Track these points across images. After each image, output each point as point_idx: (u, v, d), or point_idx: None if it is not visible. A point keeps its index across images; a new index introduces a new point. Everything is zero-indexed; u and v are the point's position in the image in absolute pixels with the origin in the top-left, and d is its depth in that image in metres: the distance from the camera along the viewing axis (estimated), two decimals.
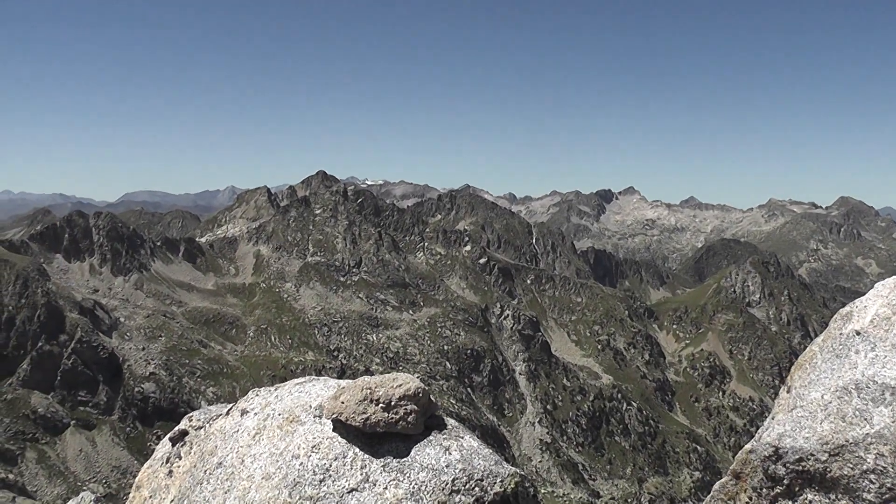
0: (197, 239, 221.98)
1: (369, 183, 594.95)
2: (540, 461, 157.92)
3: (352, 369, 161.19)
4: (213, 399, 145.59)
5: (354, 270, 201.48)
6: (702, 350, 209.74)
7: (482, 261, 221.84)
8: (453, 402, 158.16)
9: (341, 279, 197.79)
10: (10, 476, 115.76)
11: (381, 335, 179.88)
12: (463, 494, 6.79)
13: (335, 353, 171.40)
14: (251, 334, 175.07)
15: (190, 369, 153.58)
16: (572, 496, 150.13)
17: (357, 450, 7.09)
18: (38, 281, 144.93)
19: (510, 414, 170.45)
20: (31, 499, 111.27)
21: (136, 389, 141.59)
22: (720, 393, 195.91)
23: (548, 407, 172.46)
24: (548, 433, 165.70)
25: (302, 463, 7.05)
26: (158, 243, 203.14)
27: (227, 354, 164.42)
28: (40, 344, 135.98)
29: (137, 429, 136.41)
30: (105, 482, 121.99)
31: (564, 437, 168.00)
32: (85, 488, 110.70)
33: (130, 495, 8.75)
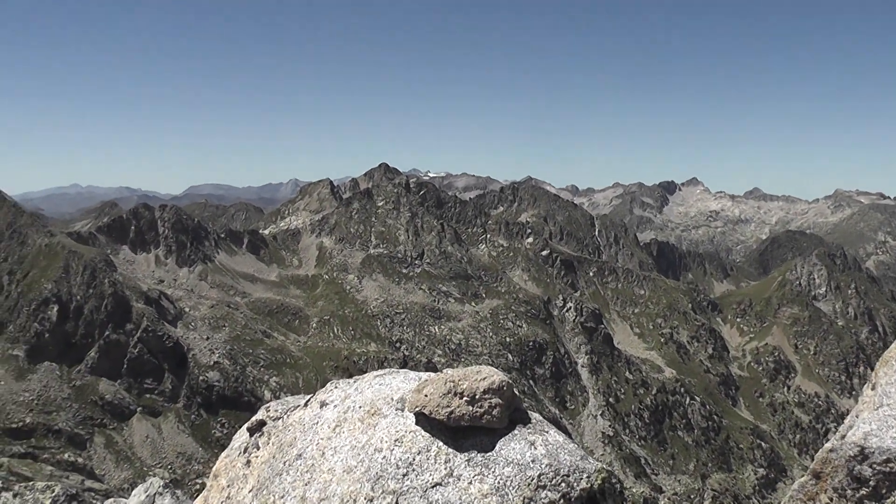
0: (260, 231, 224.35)
1: (431, 175, 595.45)
2: (602, 454, 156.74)
3: (414, 360, 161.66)
4: (277, 389, 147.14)
5: (417, 262, 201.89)
6: (766, 344, 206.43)
7: (544, 253, 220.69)
8: (516, 394, 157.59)
9: (404, 271, 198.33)
10: (80, 460, 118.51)
11: (443, 327, 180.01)
12: (549, 490, 6.65)
13: (397, 345, 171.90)
14: (314, 325, 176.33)
15: (253, 359, 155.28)
16: (634, 490, 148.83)
17: (441, 444, 6.96)
18: (105, 272, 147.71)
19: (572, 406, 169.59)
20: (100, 482, 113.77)
21: (201, 378, 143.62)
22: (785, 388, 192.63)
23: (610, 400, 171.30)
24: (610, 426, 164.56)
25: (385, 456, 6.95)
26: (222, 235, 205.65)
27: (291, 345, 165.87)
28: (107, 333, 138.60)
29: (202, 416, 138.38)
30: (171, 468, 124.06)
31: (627, 431, 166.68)
32: (151, 473, 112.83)
33: (208, 484, 8.81)
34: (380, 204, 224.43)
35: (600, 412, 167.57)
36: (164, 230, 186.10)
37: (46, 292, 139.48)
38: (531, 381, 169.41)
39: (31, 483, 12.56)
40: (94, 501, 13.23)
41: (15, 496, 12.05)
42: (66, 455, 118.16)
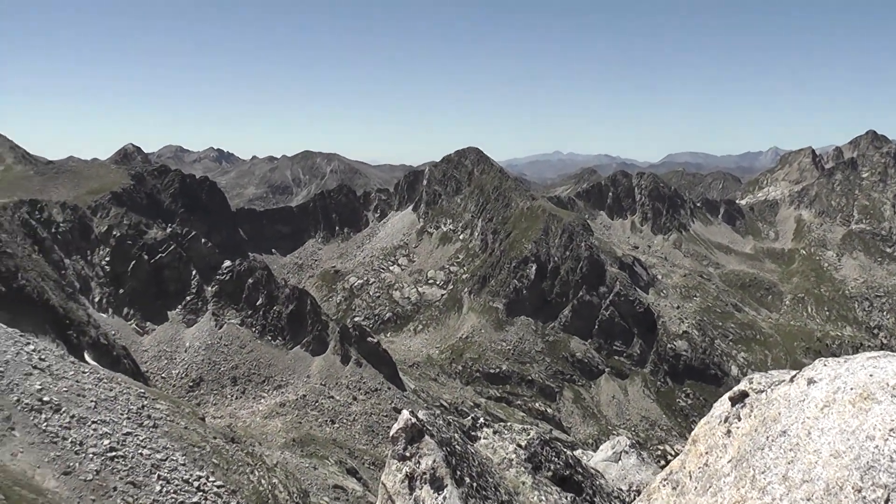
0: (737, 201, 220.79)
1: None
2: None
3: (893, 350, 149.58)
4: (744, 365, 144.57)
5: None
6: None
7: None
8: None
9: (887, 250, 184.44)
10: (549, 410, 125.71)
11: None
12: None
13: (875, 331, 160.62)
14: (787, 302, 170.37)
15: (722, 332, 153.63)
16: None
17: None
18: (581, 235, 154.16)
19: None
20: (566, 434, 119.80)
21: (669, 346, 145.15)
22: None
23: None
24: None
25: (877, 446, 6.27)
26: (698, 204, 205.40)
27: (761, 321, 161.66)
28: (581, 293, 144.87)
29: (668, 384, 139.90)
30: (634, 430, 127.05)
31: None
32: (615, 433, 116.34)
33: (685, 448, 8.89)
34: (864, 175, 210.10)
35: None
36: (640, 197, 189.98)
37: (527, 252, 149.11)
38: None
39: (509, 424, 13.77)
40: (564, 450, 14.01)
41: (494, 433, 13.13)
42: (537, 404, 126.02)
